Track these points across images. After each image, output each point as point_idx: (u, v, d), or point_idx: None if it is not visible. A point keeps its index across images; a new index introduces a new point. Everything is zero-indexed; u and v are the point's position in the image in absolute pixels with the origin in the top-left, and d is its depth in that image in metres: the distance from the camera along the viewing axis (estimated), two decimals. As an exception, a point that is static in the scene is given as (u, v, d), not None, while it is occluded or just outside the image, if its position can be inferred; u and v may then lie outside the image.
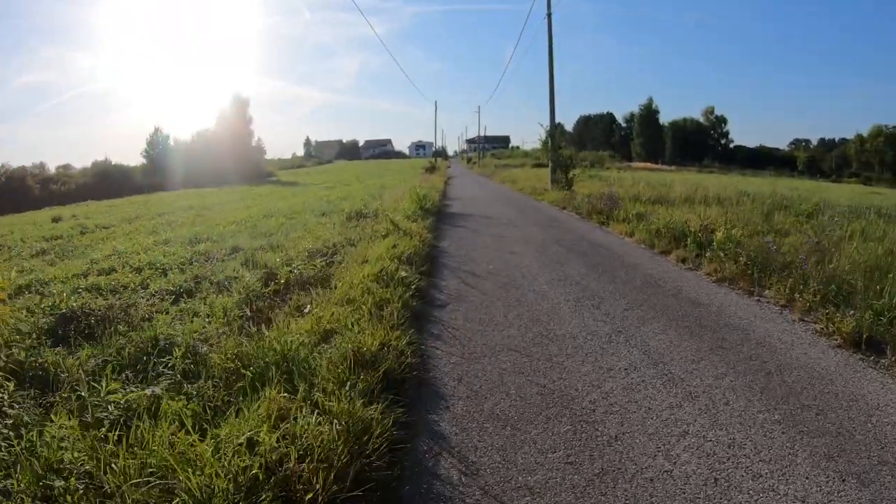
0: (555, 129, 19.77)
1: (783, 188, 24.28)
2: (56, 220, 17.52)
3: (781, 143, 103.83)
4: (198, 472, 2.20)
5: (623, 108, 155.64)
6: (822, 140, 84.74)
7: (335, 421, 2.63)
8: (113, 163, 40.50)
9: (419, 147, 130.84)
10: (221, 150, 46.45)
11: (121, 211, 18.77)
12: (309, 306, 4.53)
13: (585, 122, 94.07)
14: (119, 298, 5.41)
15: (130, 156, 45.29)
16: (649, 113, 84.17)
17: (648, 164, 69.34)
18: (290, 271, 6.04)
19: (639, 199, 12.19)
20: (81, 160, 46.62)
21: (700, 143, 79.80)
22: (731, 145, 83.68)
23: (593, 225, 10.59)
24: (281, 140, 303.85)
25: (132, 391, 3.02)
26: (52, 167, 48.80)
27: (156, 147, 44.30)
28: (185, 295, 5.63)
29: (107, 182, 33.60)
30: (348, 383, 3.07)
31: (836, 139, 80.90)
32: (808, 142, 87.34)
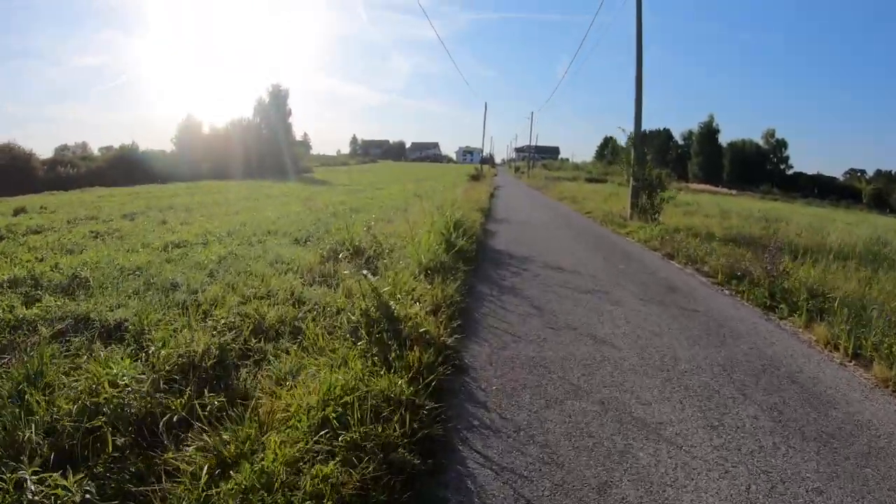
0: (641, 137, 15.03)
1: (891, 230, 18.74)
2: (17, 212, 14.46)
3: (831, 170, 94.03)
4: None
5: (677, 124, 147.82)
6: (878, 171, 75.47)
7: None
8: (141, 149, 38.35)
9: (467, 153, 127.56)
10: (255, 141, 43.85)
11: (95, 205, 15.43)
12: None
13: (641, 138, 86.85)
14: None
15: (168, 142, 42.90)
16: (709, 131, 76.50)
17: (709, 186, 62.93)
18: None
19: (809, 253, 7.46)
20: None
21: (758, 167, 72.58)
22: (790, 171, 75.77)
23: (750, 308, 5.85)
24: (332, 137, 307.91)
25: None
26: (94, 148, 47.83)
27: (187, 134, 41.92)
28: None
29: (122, 168, 30.90)
30: None
31: (893, 171, 72.19)
32: (863, 172, 78.44)
